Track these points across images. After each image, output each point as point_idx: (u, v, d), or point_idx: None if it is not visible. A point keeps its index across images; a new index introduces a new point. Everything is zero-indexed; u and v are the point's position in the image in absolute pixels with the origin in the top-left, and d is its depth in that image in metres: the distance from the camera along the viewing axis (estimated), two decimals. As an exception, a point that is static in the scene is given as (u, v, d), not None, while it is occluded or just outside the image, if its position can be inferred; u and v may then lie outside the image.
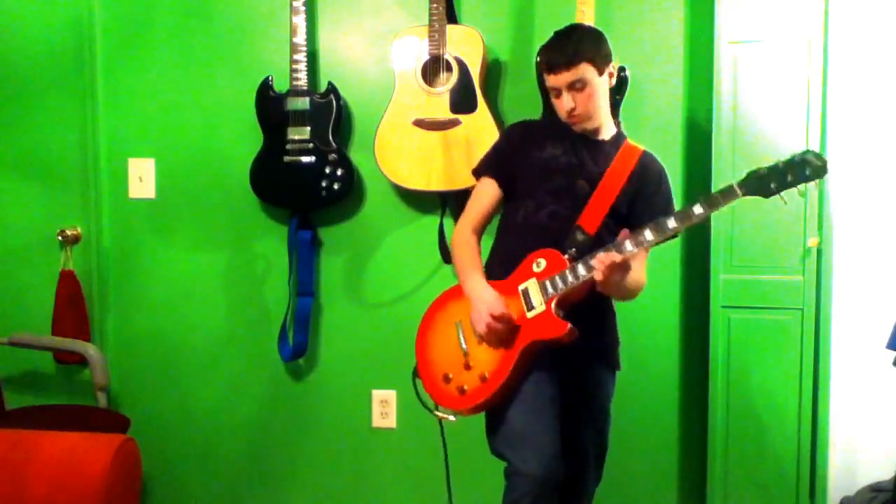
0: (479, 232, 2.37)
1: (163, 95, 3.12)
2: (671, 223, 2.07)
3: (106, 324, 3.19)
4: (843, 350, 2.83)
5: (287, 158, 2.93)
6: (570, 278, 2.13)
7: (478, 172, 2.41)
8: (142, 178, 3.15)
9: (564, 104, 2.23)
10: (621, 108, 2.77)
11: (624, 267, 2.09)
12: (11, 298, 3.22)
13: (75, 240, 3.16)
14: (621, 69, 2.76)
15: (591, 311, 2.25)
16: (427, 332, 2.36)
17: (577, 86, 2.21)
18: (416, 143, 2.84)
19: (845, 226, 2.81)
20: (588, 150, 2.30)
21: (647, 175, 2.30)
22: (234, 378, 3.18)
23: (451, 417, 2.29)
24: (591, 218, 2.22)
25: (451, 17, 2.85)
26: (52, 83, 3.15)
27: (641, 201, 2.28)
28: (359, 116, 3.02)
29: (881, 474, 2.91)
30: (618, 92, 2.76)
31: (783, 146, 2.72)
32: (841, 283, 2.79)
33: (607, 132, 2.33)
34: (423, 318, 2.38)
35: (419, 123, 2.84)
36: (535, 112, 2.79)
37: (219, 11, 3.09)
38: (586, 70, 2.21)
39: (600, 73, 2.24)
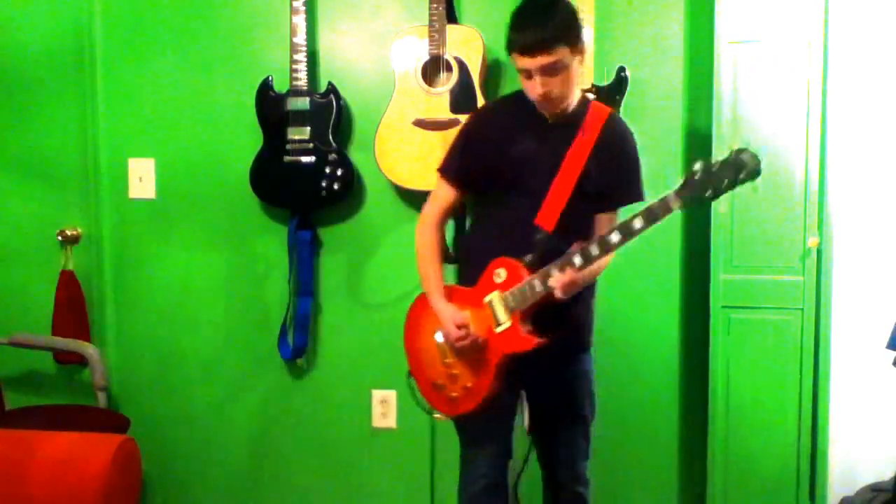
0: (443, 225, 2.35)
1: (163, 95, 3.12)
2: (614, 237, 2.03)
3: (106, 324, 3.19)
4: (843, 350, 2.83)
5: (287, 158, 2.93)
6: (528, 294, 2.12)
7: (442, 173, 2.32)
8: (142, 178, 3.15)
9: (536, 88, 2.09)
10: (621, 108, 2.77)
11: (581, 279, 2.09)
12: (11, 298, 3.22)
13: (75, 240, 3.16)
14: (621, 69, 2.76)
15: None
16: (413, 337, 2.39)
17: (554, 70, 2.06)
18: (416, 143, 2.84)
19: (845, 226, 2.80)
20: (554, 138, 2.18)
21: (609, 140, 2.19)
22: (234, 378, 3.18)
23: (447, 418, 2.39)
24: (549, 213, 2.15)
25: (451, 17, 2.84)
26: (52, 83, 3.15)
27: (604, 170, 2.18)
28: (359, 116, 3.02)
29: (881, 474, 2.91)
30: (618, 92, 2.76)
31: (783, 146, 2.72)
32: (841, 283, 2.79)
33: (572, 105, 2.20)
34: (407, 323, 2.40)
35: (419, 123, 2.84)
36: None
37: (219, 11, 3.08)
38: (564, 54, 2.05)
39: (576, 55, 2.09)
